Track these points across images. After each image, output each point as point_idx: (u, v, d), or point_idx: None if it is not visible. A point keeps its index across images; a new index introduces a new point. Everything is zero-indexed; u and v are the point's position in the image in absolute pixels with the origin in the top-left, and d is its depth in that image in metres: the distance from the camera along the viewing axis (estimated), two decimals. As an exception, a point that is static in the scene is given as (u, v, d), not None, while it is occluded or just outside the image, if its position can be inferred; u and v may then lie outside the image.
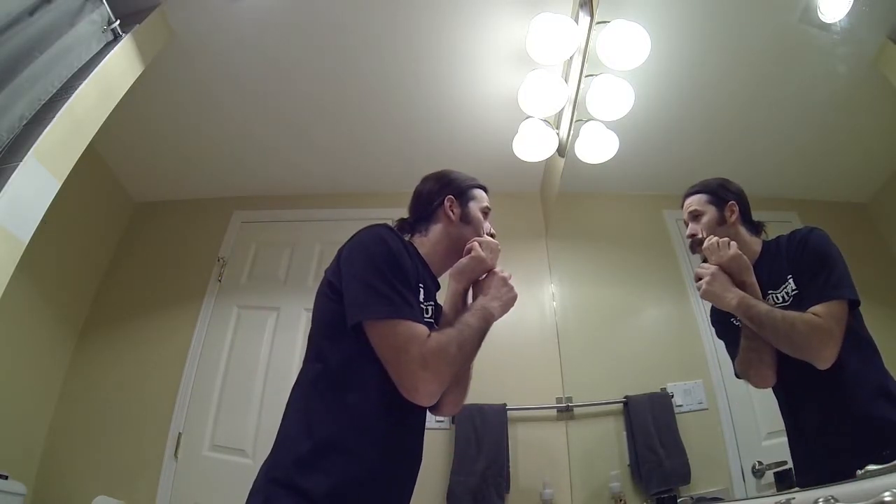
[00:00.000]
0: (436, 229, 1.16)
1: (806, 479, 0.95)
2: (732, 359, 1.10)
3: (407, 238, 1.16)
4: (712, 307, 1.13)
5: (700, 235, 1.10)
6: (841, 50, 1.03)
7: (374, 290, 0.90)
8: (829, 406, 0.90)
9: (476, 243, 1.13)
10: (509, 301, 1.09)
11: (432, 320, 1.06)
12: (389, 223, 1.12)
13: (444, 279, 1.16)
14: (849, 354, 0.85)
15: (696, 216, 1.13)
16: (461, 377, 1.09)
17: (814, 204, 1.13)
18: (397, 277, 0.93)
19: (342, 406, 0.89)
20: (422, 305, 1.00)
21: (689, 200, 1.16)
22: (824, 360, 0.85)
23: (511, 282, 1.12)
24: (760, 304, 0.97)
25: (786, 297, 0.98)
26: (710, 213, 1.11)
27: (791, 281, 0.97)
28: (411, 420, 0.99)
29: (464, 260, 1.12)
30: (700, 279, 1.06)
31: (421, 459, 1.04)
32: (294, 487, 0.82)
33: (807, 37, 1.09)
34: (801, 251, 0.97)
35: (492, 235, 1.19)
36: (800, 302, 0.94)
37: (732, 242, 1.03)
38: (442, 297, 1.14)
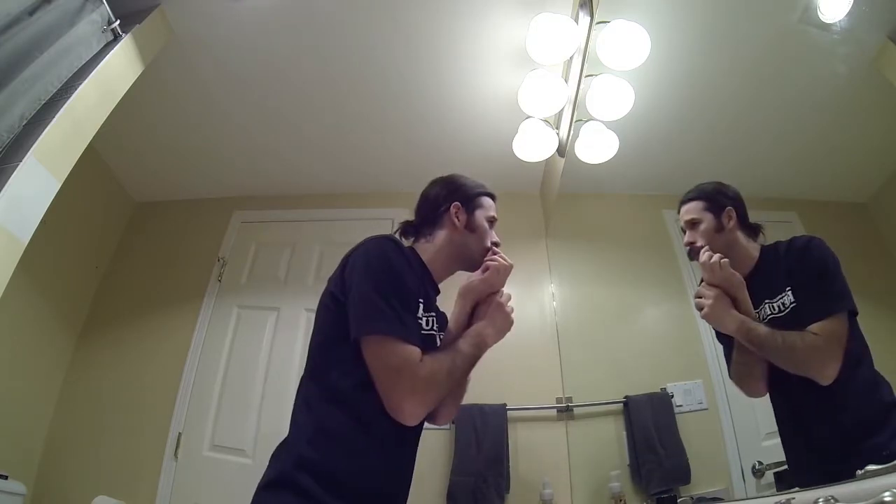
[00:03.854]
0: (440, 235, 1.16)
1: (800, 480, 0.95)
2: (728, 362, 1.10)
3: (410, 242, 1.17)
4: None
5: (698, 244, 1.09)
6: (841, 50, 1.03)
7: (373, 305, 0.91)
8: (824, 411, 0.90)
9: (493, 266, 1.13)
10: (504, 328, 1.11)
11: (434, 331, 1.05)
12: (395, 225, 1.15)
13: (446, 285, 1.17)
14: (844, 360, 0.86)
15: (693, 224, 1.12)
16: (456, 390, 1.10)
17: (814, 204, 1.13)
18: (397, 295, 0.94)
19: (344, 419, 0.90)
20: (419, 320, 1.00)
21: (685, 208, 1.15)
22: (826, 378, 0.86)
23: (511, 304, 1.13)
24: (759, 328, 0.97)
25: (782, 307, 0.97)
26: (708, 220, 1.10)
27: (789, 293, 0.96)
28: (410, 432, 0.99)
29: (474, 282, 1.12)
30: (700, 298, 1.05)
31: (413, 468, 1.05)
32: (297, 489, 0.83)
33: (807, 37, 1.09)
34: (801, 262, 0.97)
35: (496, 244, 1.19)
36: (797, 315, 0.94)
37: (725, 261, 1.02)
38: (441, 304, 1.14)
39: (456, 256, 1.16)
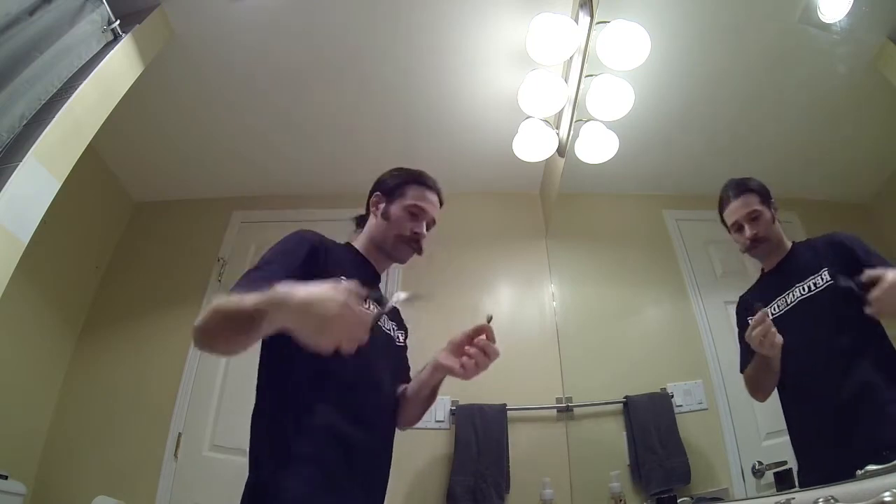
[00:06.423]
0: (367, 226, 1.20)
1: (810, 478, 0.95)
2: (742, 357, 1.12)
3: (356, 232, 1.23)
4: (738, 304, 1.16)
5: (762, 234, 1.09)
6: (841, 50, 1.04)
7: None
8: (844, 405, 0.91)
9: (470, 365, 0.99)
10: (313, 327, 0.75)
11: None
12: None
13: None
14: (871, 354, 0.87)
15: (754, 217, 1.11)
16: (420, 400, 1.11)
17: (814, 204, 1.13)
18: (275, 263, 0.97)
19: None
20: None
21: (744, 201, 1.13)
22: None
23: (355, 316, 0.77)
24: None
25: (814, 286, 0.98)
26: (766, 214, 1.10)
27: (825, 273, 0.97)
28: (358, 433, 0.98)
29: (455, 369, 1.01)
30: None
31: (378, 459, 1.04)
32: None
33: (807, 37, 1.09)
34: (840, 247, 0.98)
35: (416, 234, 1.15)
36: (834, 289, 0.95)
37: (773, 333, 0.98)
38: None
39: (376, 245, 1.18)
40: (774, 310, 1.05)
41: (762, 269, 1.14)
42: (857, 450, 0.81)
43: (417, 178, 1.21)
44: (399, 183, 1.20)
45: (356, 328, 0.75)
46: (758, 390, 1.11)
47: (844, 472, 0.73)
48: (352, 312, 0.74)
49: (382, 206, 1.18)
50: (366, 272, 1.15)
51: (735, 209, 1.13)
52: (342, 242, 1.19)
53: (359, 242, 1.19)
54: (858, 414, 0.89)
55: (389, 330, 1.15)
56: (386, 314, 0.88)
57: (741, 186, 1.14)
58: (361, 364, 0.99)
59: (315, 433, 0.91)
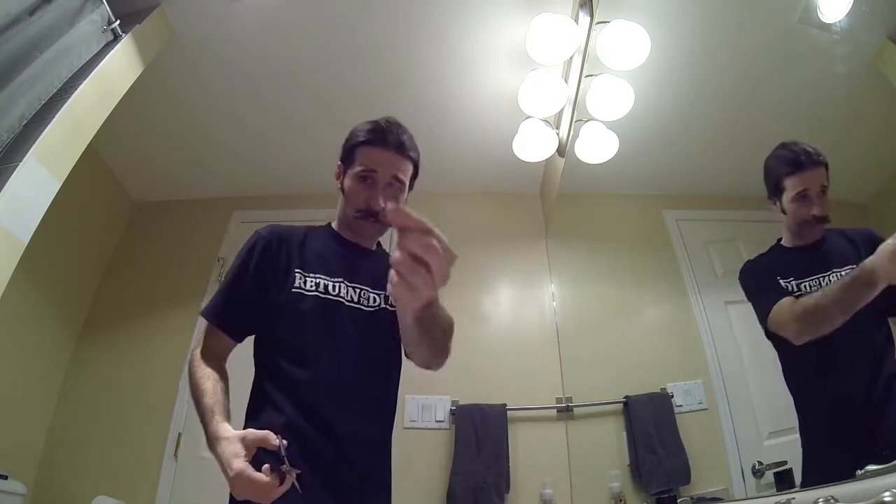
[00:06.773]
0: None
1: (813, 477, 0.95)
2: (760, 311, 1.06)
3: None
4: (752, 266, 1.12)
5: (828, 215, 1.02)
6: (841, 50, 1.04)
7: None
8: (874, 399, 0.90)
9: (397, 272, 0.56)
10: (226, 470, 0.82)
11: (321, 293, 1.00)
12: None
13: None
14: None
15: (825, 190, 1.02)
16: (430, 341, 0.86)
17: (814, 204, 1.13)
18: (229, 283, 1.05)
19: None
20: (294, 287, 1.00)
21: (819, 172, 1.03)
22: None
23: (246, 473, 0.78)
24: None
25: None
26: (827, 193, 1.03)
27: None
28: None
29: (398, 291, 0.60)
30: None
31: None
32: None
33: (807, 37, 1.09)
34: (875, 245, 0.93)
35: (369, 206, 1.03)
36: None
37: None
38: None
39: (343, 222, 1.11)
40: (806, 288, 1.02)
41: (779, 241, 1.10)
42: (873, 446, 0.81)
43: (366, 137, 1.06)
44: (350, 146, 1.08)
45: (254, 493, 0.76)
46: (821, 327, 0.95)
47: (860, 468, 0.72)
48: (244, 481, 0.76)
49: (342, 177, 1.10)
50: (344, 251, 1.08)
51: (811, 178, 1.03)
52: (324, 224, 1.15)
53: (335, 222, 1.13)
54: (885, 409, 0.88)
55: (377, 307, 1.03)
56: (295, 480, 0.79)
57: (817, 156, 1.03)
58: (323, 361, 0.97)
59: (275, 429, 0.88)
